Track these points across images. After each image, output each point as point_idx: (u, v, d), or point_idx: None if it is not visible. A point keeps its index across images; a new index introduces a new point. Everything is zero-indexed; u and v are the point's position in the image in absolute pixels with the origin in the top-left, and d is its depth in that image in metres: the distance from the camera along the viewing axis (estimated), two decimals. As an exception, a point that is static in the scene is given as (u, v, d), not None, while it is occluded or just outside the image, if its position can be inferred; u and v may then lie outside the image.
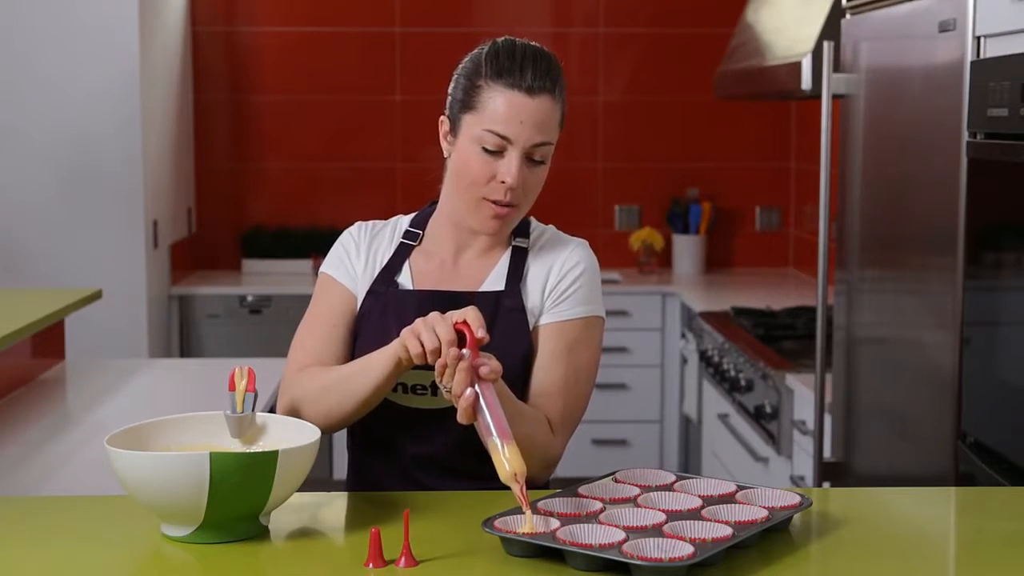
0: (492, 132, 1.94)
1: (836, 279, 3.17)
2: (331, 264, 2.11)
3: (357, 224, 2.14)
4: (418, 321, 1.83)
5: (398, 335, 1.91)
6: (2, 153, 4.89)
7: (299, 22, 5.78)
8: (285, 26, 5.79)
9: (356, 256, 2.09)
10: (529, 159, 1.96)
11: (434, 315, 1.82)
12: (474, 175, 1.97)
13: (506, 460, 1.74)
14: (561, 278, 2.04)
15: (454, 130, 2.00)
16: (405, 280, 2.07)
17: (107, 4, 4.86)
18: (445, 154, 2.04)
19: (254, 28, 5.78)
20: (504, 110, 1.93)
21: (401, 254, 2.09)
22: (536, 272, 2.06)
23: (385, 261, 2.08)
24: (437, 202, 2.11)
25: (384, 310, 2.04)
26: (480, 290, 2.05)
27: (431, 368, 1.84)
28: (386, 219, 2.17)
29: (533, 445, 1.92)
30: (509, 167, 1.95)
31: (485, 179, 1.96)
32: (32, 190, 4.91)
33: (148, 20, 5.01)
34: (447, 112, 2.03)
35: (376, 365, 1.90)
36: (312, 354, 2.04)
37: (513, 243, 2.09)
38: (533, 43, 2.01)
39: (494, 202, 1.98)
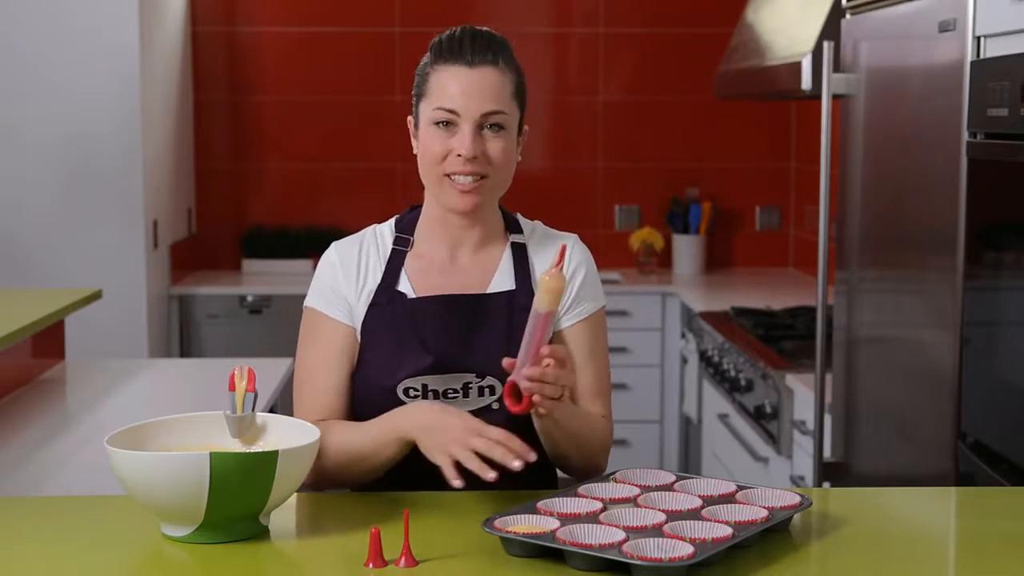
0: (441, 108, 1.98)
1: (836, 279, 3.17)
2: (318, 299, 2.08)
3: (333, 247, 2.11)
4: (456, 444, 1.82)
5: (420, 345, 1.98)
6: (2, 153, 4.89)
7: (299, 22, 5.78)
8: (285, 26, 5.79)
9: (345, 281, 2.06)
10: (486, 128, 1.99)
11: (476, 434, 1.82)
12: (432, 153, 2.00)
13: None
14: (570, 277, 2.07)
15: (416, 123, 2.05)
16: (405, 287, 2.05)
17: (107, 4, 4.86)
18: (414, 150, 2.05)
19: (254, 28, 5.78)
20: (448, 85, 1.98)
21: (396, 262, 2.07)
22: (542, 270, 2.07)
23: (380, 272, 2.06)
24: (418, 207, 2.12)
25: (394, 321, 2.02)
26: (490, 291, 2.05)
27: (464, 371, 1.91)
28: (376, 223, 2.15)
29: (595, 441, 2.03)
30: (462, 139, 1.97)
31: (443, 155, 1.99)
32: (32, 190, 4.91)
33: (148, 20, 5.00)
34: (411, 111, 2.07)
35: (388, 446, 1.92)
36: (319, 407, 2.03)
37: (511, 239, 2.10)
38: (478, 27, 2.05)
39: (457, 177, 1.99)
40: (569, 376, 1.87)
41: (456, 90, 1.98)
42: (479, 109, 1.97)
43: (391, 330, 2.02)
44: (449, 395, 1.99)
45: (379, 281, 2.05)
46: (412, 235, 2.10)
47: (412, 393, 1.99)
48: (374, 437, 1.94)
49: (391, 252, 2.08)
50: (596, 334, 2.10)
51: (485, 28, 2.06)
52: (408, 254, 2.08)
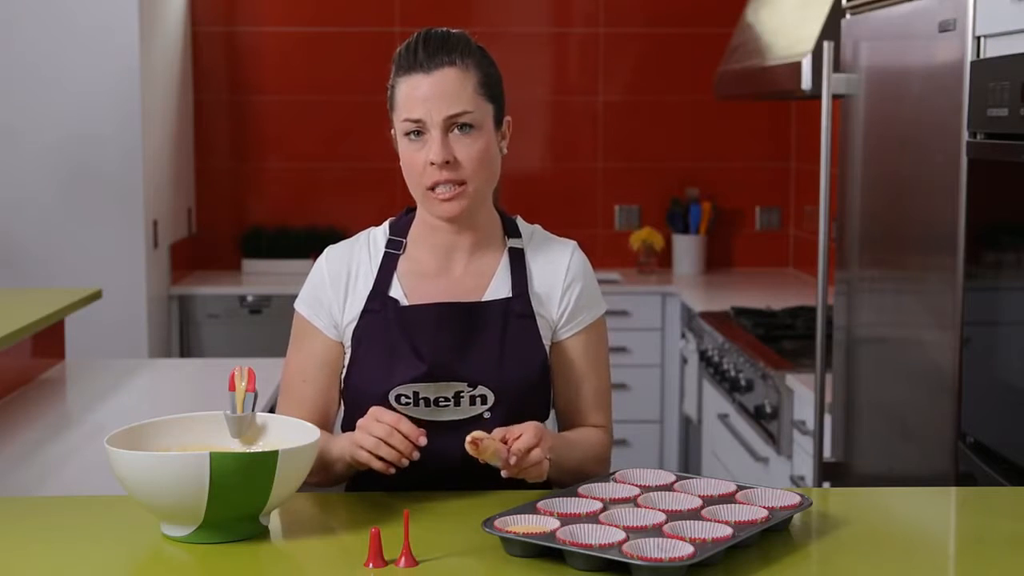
0: (407, 120, 1.99)
1: (836, 279, 3.17)
2: (304, 304, 2.09)
3: (326, 253, 2.10)
4: (364, 435, 1.87)
5: (413, 353, 1.96)
6: (2, 153, 4.89)
7: (299, 22, 5.78)
8: (285, 26, 5.79)
9: (332, 294, 2.05)
10: (455, 131, 1.97)
11: (378, 426, 1.86)
12: (412, 168, 2.00)
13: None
14: (568, 288, 2.06)
15: (394, 137, 2.05)
16: (397, 293, 2.03)
17: (107, 4, 4.86)
18: (401, 162, 2.04)
19: (254, 28, 5.78)
20: (408, 95, 1.99)
21: (387, 266, 2.05)
22: (540, 279, 2.06)
23: (372, 277, 2.05)
24: (413, 209, 2.10)
25: (386, 327, 2.01)
26: (486, 299, 2.03)
27: (457, 380, 1.93)
28: (374, 226, 2.14)
29: (592, 462, 2.05)
30: (432, 146, 1.96)
31: (421, 167, 1.98)
32: (32, 190, 4.91)
33: (148, 20, 5.01)
34: (391, 126, 2.07)
35: (346, 456, 1.94)
36: (299, 414, 2.03)
37: (508, 244, 2.08)
38: (436, 28, 2.04)
39: (438, 188, 1.98)
40: (541, 452, 1.86)
41: (417, 99, 1.97)
42: (441, 113, 1.96)
43: (383, 337, 2.01)
44: (440, 403, 1.98)
45: (370, 287, 2.04)
46: (405, 238, 2.08)
47: (403, 400, 1.97)
48: (337, 446, 1.96)
49: (383, 256, 2.06)
50: (596, 343, 2.10)
51: (442, 29, 2.05)
52: (400, 258, 2.06)
